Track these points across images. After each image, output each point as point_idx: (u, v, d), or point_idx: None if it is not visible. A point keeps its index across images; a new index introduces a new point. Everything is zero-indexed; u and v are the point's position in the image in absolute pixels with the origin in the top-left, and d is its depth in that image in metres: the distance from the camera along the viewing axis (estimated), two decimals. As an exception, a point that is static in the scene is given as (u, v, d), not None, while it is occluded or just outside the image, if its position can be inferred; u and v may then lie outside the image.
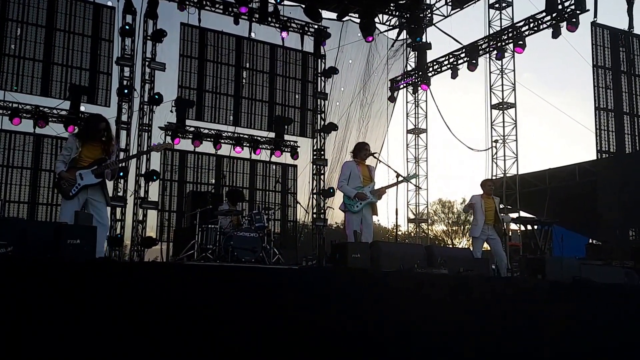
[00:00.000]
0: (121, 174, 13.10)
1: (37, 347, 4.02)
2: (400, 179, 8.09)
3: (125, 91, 13.77)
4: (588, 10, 14.60)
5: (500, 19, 16.58)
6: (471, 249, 9.12)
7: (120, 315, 4.36)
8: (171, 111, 14.60)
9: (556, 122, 68.38)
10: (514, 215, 15.75)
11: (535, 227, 10.71)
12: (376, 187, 8.17)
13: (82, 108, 13.45)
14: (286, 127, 16.38)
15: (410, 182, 17.56)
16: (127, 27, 13.86)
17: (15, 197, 13.20)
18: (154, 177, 13.86)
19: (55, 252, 4.62)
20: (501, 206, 11.73)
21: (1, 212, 9.79)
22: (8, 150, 13.29)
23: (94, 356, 4.19)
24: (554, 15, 14.92)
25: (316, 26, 16.76)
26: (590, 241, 17.24)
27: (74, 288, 4.26)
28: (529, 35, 15.70)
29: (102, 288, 4.37)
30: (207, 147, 15.53)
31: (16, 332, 3.98)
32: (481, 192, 9.72)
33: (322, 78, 17.23)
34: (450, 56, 18.10)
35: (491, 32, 16.69)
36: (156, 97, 14.06)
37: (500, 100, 16.58)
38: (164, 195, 14.71)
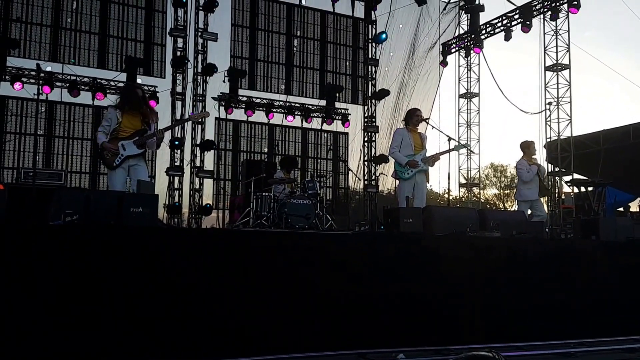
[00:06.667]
0: (176, 142, 13.45)
1: (109, 307, 4.28)
2: (451, 146, 8.09)
3: (186, 61, 13.93)
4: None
5: (555, -23, 16.14)
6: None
7: (185, 277, 4.59)
8: (224, 81, 14.78)
9: (611, 83, 66.43)
10: (567, 177, 15.55)
11: (590, 188, 10.58)
12: (427, 154, 8.18)
13: (139, 80, 13.75)
14: (337, 94, 16.39)
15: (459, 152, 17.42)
16: (179, -3, 14.00)
17: (77, 167, 13.65)
18: (210, 147, 14.11)
19: (118, 220, 4.86)
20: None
21: (64, 182, 10.12)
22: (68, 122, 13.72)
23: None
24: (611, -28, 14.51)
25: (367, -9, 16.63)
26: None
27: (138, 252, 4.51)
28: (584, -7, 15.33)
29: (163, 251, 4.61)
30: (259, 116, 15.70)
31: (85, 294, 4.25)
32: (522, 155, 9.82)
33: (373, 44, 17.06)
34: (504, 18, 17.83)
35: (545, -8, 16.30)
36: (212, 69, 14.11)
37: (555, 62, 16.21)
38: (219, 164, 15.03)
